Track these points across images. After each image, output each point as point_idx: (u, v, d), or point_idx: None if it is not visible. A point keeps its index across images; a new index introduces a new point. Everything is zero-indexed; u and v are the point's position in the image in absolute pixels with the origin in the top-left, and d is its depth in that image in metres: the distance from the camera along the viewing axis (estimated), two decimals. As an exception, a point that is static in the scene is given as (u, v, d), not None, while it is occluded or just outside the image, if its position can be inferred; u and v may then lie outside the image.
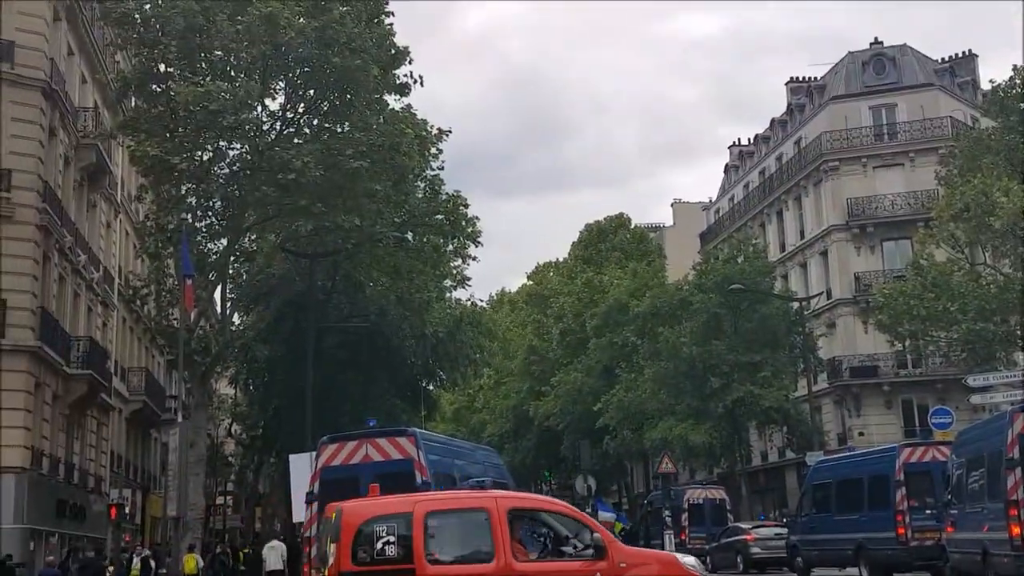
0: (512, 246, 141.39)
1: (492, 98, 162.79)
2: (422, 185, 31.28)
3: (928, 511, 19.90)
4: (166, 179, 26.45)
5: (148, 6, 25.48)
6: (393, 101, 27.71)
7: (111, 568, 27.05)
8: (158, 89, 25.96)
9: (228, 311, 30.78)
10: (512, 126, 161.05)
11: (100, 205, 33.45)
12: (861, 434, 41.74)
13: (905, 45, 48.50)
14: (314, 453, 16.60)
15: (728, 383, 36.45)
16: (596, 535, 10.25)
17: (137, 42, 26.34)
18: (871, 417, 42.59)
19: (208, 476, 36.62)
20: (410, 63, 27.11)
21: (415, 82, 27.13)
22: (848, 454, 27.73)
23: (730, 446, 39.17)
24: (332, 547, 9.75)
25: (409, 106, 28.25)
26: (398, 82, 27.04)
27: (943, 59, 49.29)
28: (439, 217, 30.87)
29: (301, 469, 19.00)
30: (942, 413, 29.07)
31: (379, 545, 9.67)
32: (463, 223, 31.15)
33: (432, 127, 29.97)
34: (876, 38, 48.58)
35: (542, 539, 10.39)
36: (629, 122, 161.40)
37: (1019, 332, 30.81)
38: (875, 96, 46.48)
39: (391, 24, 27.00)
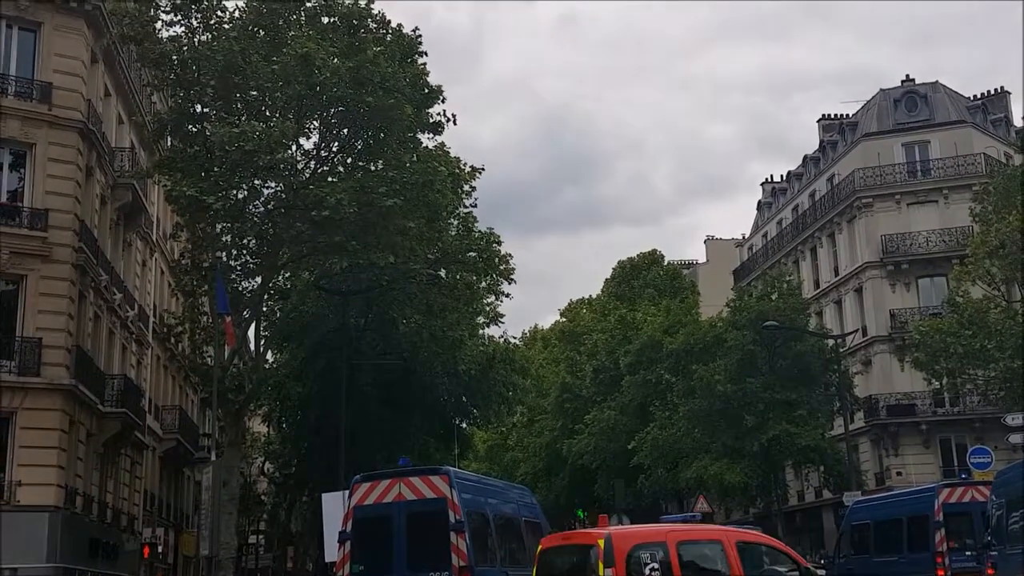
0: (545, 283, 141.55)
1: (525, 136, 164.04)
2: (455, 222, 31.36)
3: (968, 552, 19.58)
4: (201, 218, 26.71)
5: (186, 48, 25.91)
6: (426, 139, 27.99)
7: None
8: (194, 129, 26.31)
9: (262, 349, 30.90)
10: (545, 164, 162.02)
11: (136, 244, 33.81)
12: (899, 474, 41.03)
13: (937, 82, 48.37)
14: (347, 492, 16.52)
15: (763, 421, 35.96)
16: (798, 562, 12.86)
17: (174, 83, 26.78)
18: (909, 456, 41.89)
19: (241, 515, 36.66)
20: (443, 102, 27.41)
21: (448, 120, 27.39)
22: (886, 494, 27.29)
23: (766, 486, 38.58)
24: (608, 571, 11.24)
25: (442, 144, 28.51)
26: (431, 121, 27.29)
27: (975, 96, 49.12)
28: (472, 254, 30.88)
29: (334, 508, 18.95)
30: (981, 452, 28.59)
31: (646, 571, 11.40)
32: (496, 260, 31.13)
33: (465, 165, 30.25)
34: (908, 75, 48.56)
35: (760, 565, 12.60)
36: (662, 159, 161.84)
37: (1057, 370, 30.29)
38: (908, 133, 46.30)
39: (424, 63, 27.33)
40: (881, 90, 48.79)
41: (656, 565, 11.39)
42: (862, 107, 50.24)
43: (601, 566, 11.33)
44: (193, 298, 28.46)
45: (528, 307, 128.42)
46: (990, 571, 17.14)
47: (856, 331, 43.50)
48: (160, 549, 33.38)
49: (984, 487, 19.98)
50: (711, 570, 12.14)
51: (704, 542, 12.54)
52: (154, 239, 36.44)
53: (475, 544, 15.11)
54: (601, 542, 11.57)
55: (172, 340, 33.55)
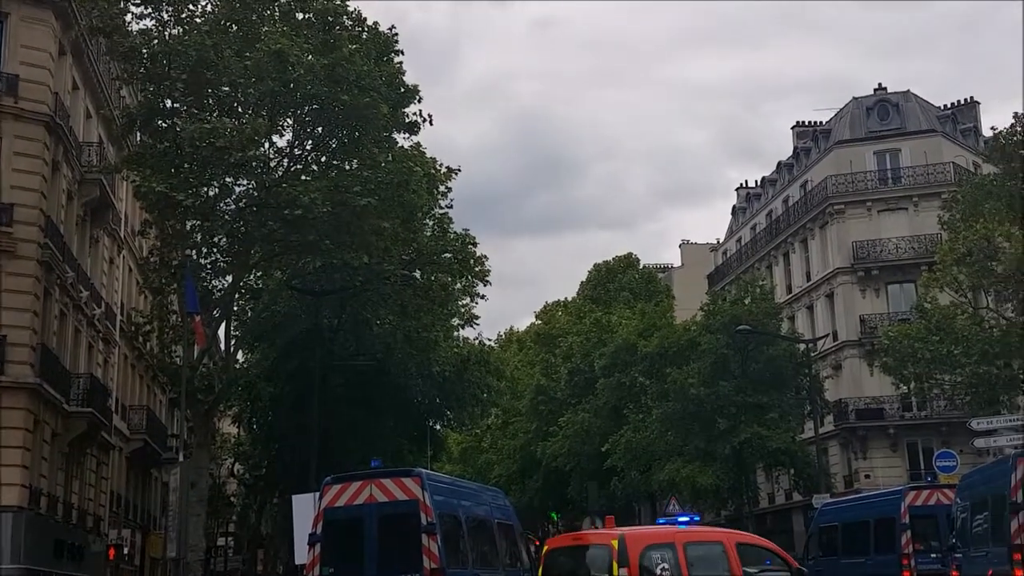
0: (521, 285, 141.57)
1: (502, 139, 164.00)
2: (430, 223, 31.18)
3: (933, 554, 19.98)
4: (171, 215, 26.35)
5: (156, 41, 25.53)
6: (402, 139, 27.80)
7: None
8: (164, 125, 25.97)
9: (232, 349, 30.54)
10: (521, 166, 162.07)
11: (103, 240, 33.34)
12: (867, 476, 41.46)
13: (909, 91, 48.97)
14: (317, 494, 16.31)
15: (735, 424, 36.15)
16: (789, 563, 13.68)
17: (143, 77, 26.40)
18: (877, 459, 42.36)
19: (209, 517, 36.18)
20: (419, 102, 27.25)
21: (424, 121, 27.24)
22: (854, 497, 27.54)
23: (737, 488, 38.81)
24: (623, 571, 11.70)
25: (418, 144, 28.35)
26: (407, 120, 27.12)
27: (946, 106, 49.78)
28: (447, 255, 30.71)
29: (304, 510, 18.71)
30: (946, 456, 29.05)
31: (657, 570, 11.93)
32: (471, 262, 30.97)
33: (441, 165, 30.06)
34: (880, 84, 49.11)
35: (756, 564, 13.31)
36: (637, 163, 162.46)
37: (1022, 376, 30.88)
38: (879, 141, 46.82)
39: (400, 63, 27.15)
40: (854, 98, 49.31)
41: (666, 565, 11.93)
42: (835, 115, 50.74)
43: (615, 566, 11.79)
44: (162, 296, 28.07)
45: (504, 309, 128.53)
46: (955, 573, 17.46)
47: (827, 336, 43.92)
48: (126, 551, 32.95)
49: (949, 490, 20.33)
50: (716, 569, 12.77)
51: (708, 543, 13.13)
52: (122, 236, 35.96)
53: (447, 546, 14.94)
54: (615, 542, 12.02)
55: (140, 339, 33.11)
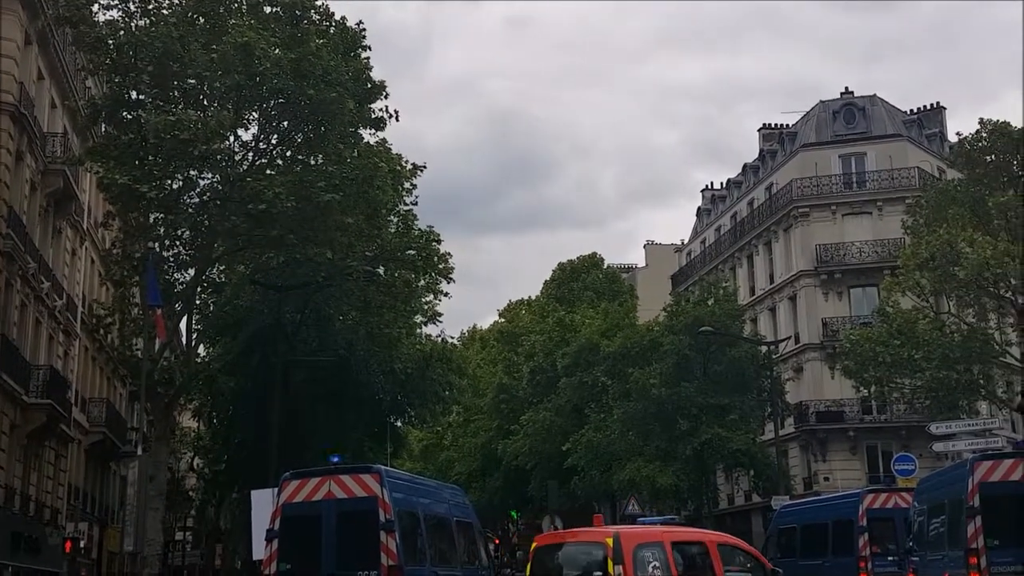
0: (491, 284, 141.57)
1: (473, 137, 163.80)
2: (395, 220, 31.13)
3: (890, 557, 20.07)
4: (134, 207, 26.14)
5: (122, 32, 25.31)
6: (368, 135, 27.73)
7: None
8: (129, 116, 25.74)
9: (194, 342, 30.35)
10: (493, 165, 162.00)
11: (66, 232, 33.01)
12: (826, 479, 41.80)
13: (875, 96, 49.34)
14: (276, 489, 16.26)
15: (696, 425, 36.35)
16: (763, 563, 14.30)
17: (109, 68, 26.16)
18: (836, 462, 42.70)
19: (168, 511, 35.95)
20: (386, 97, 27.18)
21: (391, 117, 27.19)
22: (813, 499, 27.78)
23: (697, 488, 39.03)
24: (618, 568, 12.01)
25: (384, 140, 28.27)
26: (373, 116, 27.06)
27: (912, 111, 50.16)
28: (411, 252, 30.63)
29: (263, 505, 18.60)
30: (905, 460, 29.24)
31: (649, 568, 12.22)
32: (435, 259, 30.98)
33: (407, 162, 29.99)
34: (847, 88, 49.45)
35: (733, 564, 13.81)
36: (609, 164, 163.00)
37: (981, 381, 31.18)
38: (845, 145, 47.10)
39: (368, 58, 27.08)
40: (820, 102, 49.62)
41: (657, 563, 12.34)
42: (801, 118, 51.06)
43: (611, 563, 12.07)
44: (123, 289, 27.82)
45: (473, 308, 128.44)
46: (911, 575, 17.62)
47: (789, 338, 44.20)
48: (84, 544, 32.62)
49: (907, 494, 20.50)
50: (700, 568, 13.29)
51: (692, 543, 13.60)
52: (85, 227, 35.60)
53: (405, 544, 14.95)
54: (610, 540, 12.30)
55: (101, 331, 32.81)
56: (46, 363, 29.69)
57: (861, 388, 35.40)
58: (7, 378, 25.40)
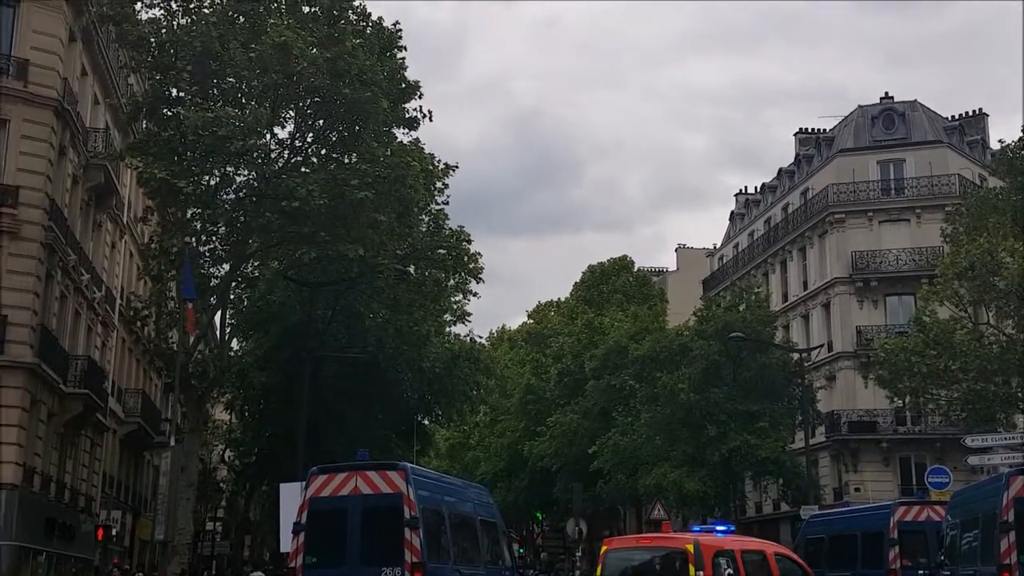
0: (515, 284, 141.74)
1: (500, 138, 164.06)
2: (426, 219, 31.34)
3: (921, 571, 19.69)
4: (172, 202, 26.58)
5: (164, 30, 25.75)
6: (401, 134, 27.96)
7: None
8: (169, 113, 26.17)
9: (227, 336, 30.76)
10: (519, 166, 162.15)
11: (106, 225, 33.56)
12: (857, 490, 41.28)
13: (916, 101, 48.59)
14: (304, 483, 16.46)
15: (725, 432, 36.05)
16: (808, 573, 14.90)
17: (151, 66, 26.63)
18: (868, 473, 42.19)
19: (199, 501, 36.43)
20: (420, 97, 27.42)
21: (424, 116, 27.41)
22: (842, 509, 27.48)
23: (724, 496, 38.71)
24: (699, 574, 12.47)
25: (417, 140, 28.50)
26: (407, 116, 27.29)
27: (953, 117, 49.34)
28: (441, 251, 30.84)
29: (291, 498, 18.83)
30: (939, 472, 28.83)
31: (724, 574, 12.69)
32: (465, 258, 31.11)
33: (439, 161, 30.17)
34: (887, 93, 48.65)
35: (787, 574, 14.33)
36: (635, 167, 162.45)
37: (1020, 394, 30.53)
38: (884, 151, 46.48)
39: (403, 58, 27.32)
40: (859, 106, 48.99)
41: (731, 571, 12.88)
42: (839, 122, 50.49)
43: (692, 569, 12.60)
44: (160, 283, 28.29)
45: (497, 308, 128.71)
46: (942, 590, 17.40)
47: (822, 346, 43.66)
48: (116, 532, 33.17)
49: (940, 507, 20.14)
50: (762, 574, 13.98)
51: (755, 552, 14.14)
52: (124, 221, 36.17)
53: (429, 541, 15.07)
54: (690, 547, 12.83)
55: (138, 323, 33.34)
56: (84, 354, 30.20)
57: (895, 398, 34.97)
58: (46, 367, 25.87)
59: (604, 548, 14.09)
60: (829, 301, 45.44)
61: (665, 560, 13.32)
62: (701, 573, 12.47)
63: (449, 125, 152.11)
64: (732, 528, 16.22)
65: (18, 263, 24.82)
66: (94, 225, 32.06)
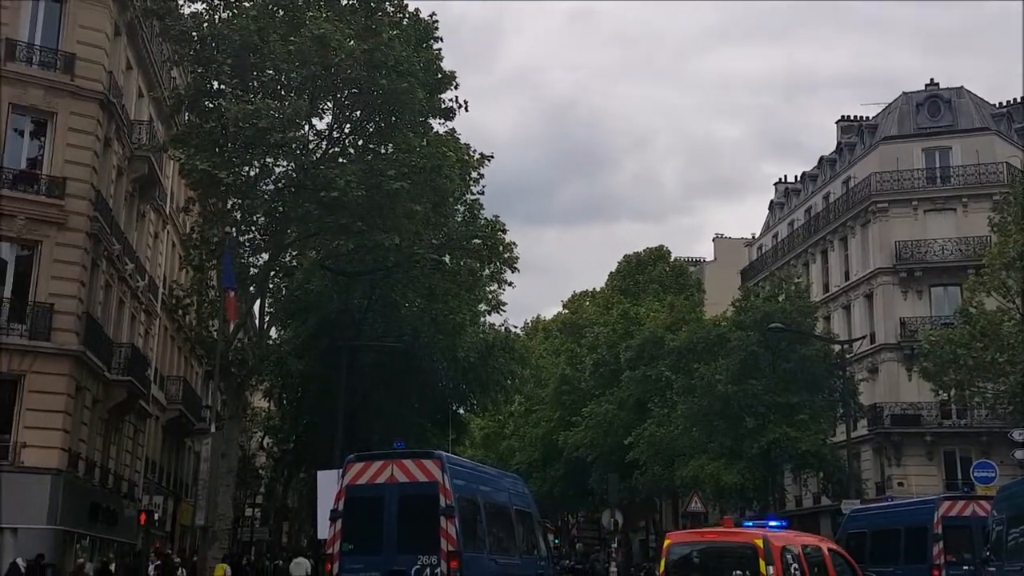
0: (549, 274, 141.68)
1: (536, 128, 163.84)
2: (461, 209, 31.44)
3: (965, 567, 19.58)
4: (213, 193, 26.93)
5: (206, 24, 26.06)
6: (437, 125, 28.05)
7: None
8: (210, 105, 26.49)
9: (266, 325, 31.11)
10: (554, 156, 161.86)
11: (149, 216, 34.07)
12: (900, 484, 40.64)
13: (962, 88, 47.45)
14: (341, 471, 16.63)
15: (763, 424, 35.67)
16: (856, 570, 15.07)
17: (193, 59, 26.98)
18: (911, 467, 41.49)
19: (238, 488, 36.92)
20: (456, 88, 27.47)
21: (460, 107, 27.46)
22: (885, 504, 27.17)
23: (763, 488, 38.32)
24: (770, 568, 12.75)
25: (453, 130, 28.60)
26: (443, 106, 27.37)
27: (1000, 104, 48.24)
28: (477, 241, 30.93)
29: (328, 486, 19.07)
30: (985, 467, 28.41)
31: (791, 570, 13.03)
32: (500, 248, 31.17)
33: (474, 152, 30.22)
34: (932, 79, 47.64)
35: (840, 570, 14.56)
36: (670, 156, 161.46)
37: (1069, 387, 30.01)
38: (929, 138, 45.53)
39: (439, 49, 27.37)
40: (903, 93, 48.04)
41: (796, 565, 13.18)
42: (883, 110, 49.53)
43: (763, 563, 12.81)
44: (201, 272, 28.69)
45: (532, 297, 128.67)
46: (987, 585, 17.15)
47: (864, 337, 42.95)
48: (158, 517, 33.71)
49: (985, 502, 19.99)
50: (819, 571, 14.17)
51: (813, 547, 14.36)
52: (167, 212, 36.68)
53: (464, 530, 15.20)
54: (760, 542, 13.05)
55: (180, 312, 33.85)
56: (128, 341, 30.73)
57: (940, 391, 34.39)
58: (91, 355, 26.34)
59: (667, 542, 14.17)
60: (872, 292, 44.74)
61: (733, 555, 13.35)
62: (771, 568, 12.58)
63: (484, 116, 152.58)
64: (786, 523, 16.16)
65: (65, 253, 25.30)
66: (138, 215, 32.57)
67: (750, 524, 16.23)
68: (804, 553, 13.50)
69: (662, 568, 13.69)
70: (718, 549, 13.74)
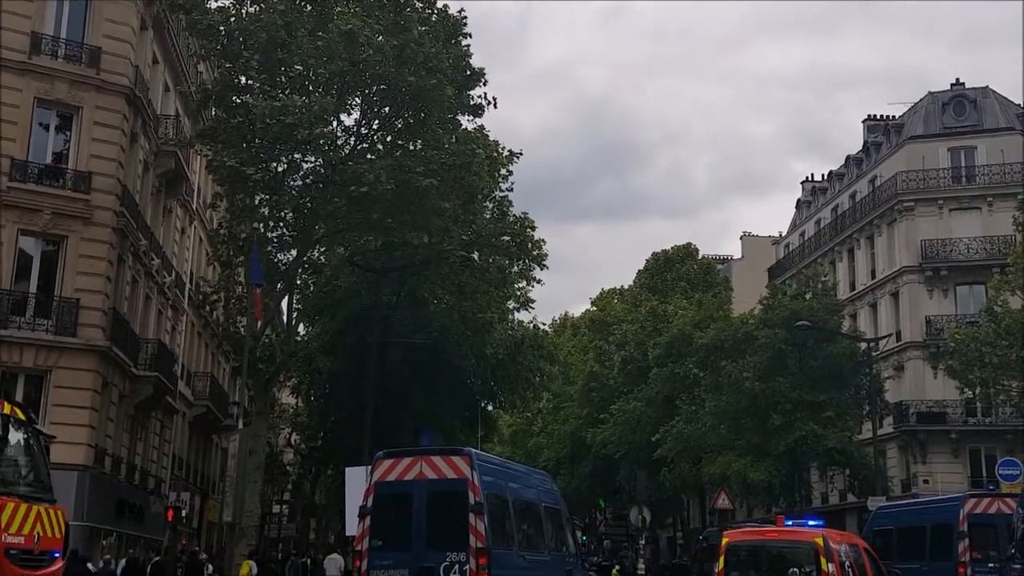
0: (578, 271, 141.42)
1: (565, 125, 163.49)
2: (490, 205, 31.38)
3: (991, 564, 19.51)
4: (240, 189, 26.94)
5: (233, 19, 26.06)
6: (466, 121, 27.98)
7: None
8: (237, 101, 26.49)
9: (294, 321, 31.16)
10: (584, 153, 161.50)
11: (176, 211, 34.17)
12: (926, 482, 40.66)
13: (987, 87, 47.62)
14: (369, 467, 16.61)
15: (790, 421, 35.69)
16: (880, 568, 15.72)
17: (220, 54, 26.98)
18: (937, 465, 41.53)
19: (265, 484, 37.00)
20: (484, 84, 27.41)
21: (489, 104, 27.40)
22: (911, 501, 27.06)
23: (790, 485, 38.34)
24: (831, 566, 13.24)
25: (481, 127, 28.53)
26: (472, 103, 27.31)
27: (1026, 104, 48.12)
28: (505, 238, 30.85)
29: (357, 482, 19.04)
30: (1010, 464, 28.31)
31: (846, 567, 13.54)
32: (529, 245, 31.10)
33: (503, 148, 30.16)
34: (957, 79, 47.77)
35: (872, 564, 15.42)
36: (700, 153, 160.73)
37: (1093, 385, 29.85)
38: (954, 138, 45.65)
39: (468, 45, 27.31)
40: (929, 93, 48.14)
41: (848, 563, 13.68)
42: (909, 109, 49.57)
43: (823, 560, 13.31)
44: (229, 268, 28.74)
45: (560, 294, 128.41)
46: (1013, 582, 17.05)
47: (890, 335, 43.05)
48: (185, 513, 33.84)
49: (1011, 499, 19.96)
50: (860, 568, 14.64)
51: (854, 545, 14.81)
52: (194, 207, 36.79)
53: (493, 526, 15.10)
54: (820, 541, 13.49)
55: (207, 308, 33.94)
56: (154, 337, 30.81)
57: (965, 389, 34.45)
58: (117, 350, 26.42)
59: (725, 540, 14.45)
60: (898, 290, 44.70)
61: (795, 553, 13.78)
62: (831, 566, 12.97)
63: (513, 112, 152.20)
64: (823, 522, 16.23)
65: (91, 248, 25.34)
66: (164, 211, 32.66)
67: (789, 523, 16.16)
68: (852, 550, 14.05)
69: (721, 565, 13.85)
70: (776, 547, 14.13)
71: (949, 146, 45.47)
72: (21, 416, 11.48)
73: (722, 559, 13.99)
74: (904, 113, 49.97)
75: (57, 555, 11.61)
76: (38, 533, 10.96)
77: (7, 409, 11.09)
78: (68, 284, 25.00)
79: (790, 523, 15.92)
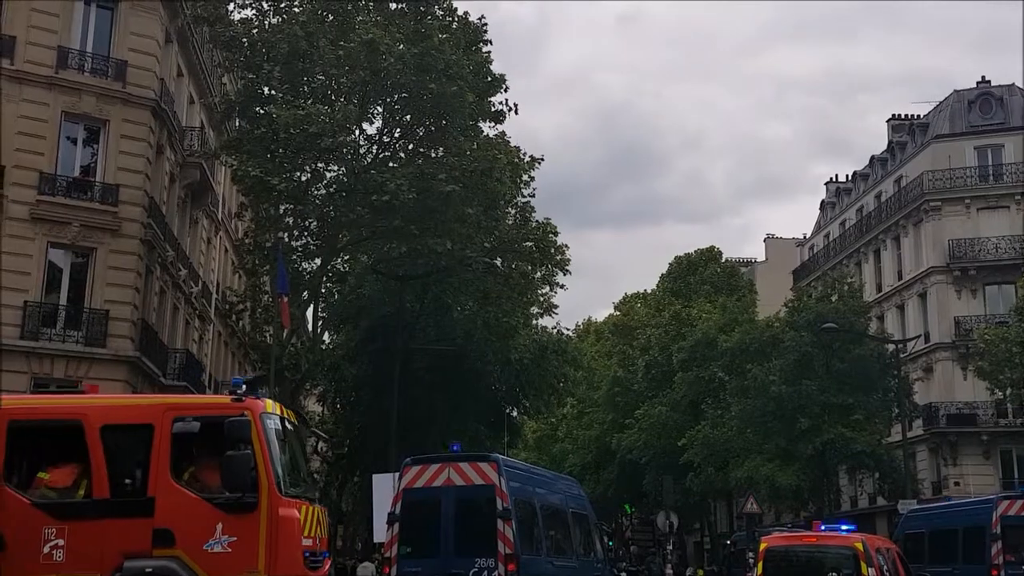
0: (600, 276, 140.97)
1: (585, 131, 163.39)
2: (513, 212, 31.41)
3: (1024, 566, 19.20)
4: (265, 199, 27.16)
5: (256, 30, 26.31)
6: (487, 128, 28.08)
7: None
8: (261, 111, 26.73)
9: (319, 330, 31.33)
10: (604, 158, 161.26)
11: (202, 222, 34.45)
12: (956, 484, 40.29)
13: (1013, 85, 47.00)
14: (397, 474, 16.66)
15: (818, 424, 35.42)
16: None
17: (243, 65, 27.25)
18: (968, 467, 41.08)
19: (292, 491, 37.07)
20: (505, 91, 27.54)
21: (510, 110, 27.50)
22: (942, 504, 26.82)
23: (818, 489, 38.07)
24: (871, 570, 13.45)
25: (503, 133, 28.61)
26: (493, 109, 27.41)
27: (1054, 100, 47.51)
28: (528, 244, 30.89)
29: (384, 489, 19.11)
30: (1042, 465, 27.90)
31: (884, 571, 13.65)
32: (552, 251, 31.11)
33: (525, 154, 30.22)
34: (983, 77, 47.22)
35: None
36: (721, 157, 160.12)
37: None
38: (981, 136, 45.16)
39: (488, 52, 27.40)
40: (955, 91, 47.61)
41: (886, 566, 13.93)
42: (934, 108, 49.08)
43: (864, 565, 13.55)
44: (255, 277, 28.97)
45: (583, 299, 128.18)
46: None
47: (918, 337, 42.61)
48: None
49: (1045, 501, 19.70)
50: (893, 570, 14.91)
51: (887, 549, 14.98)
52: (219, 217, 37.05)
53: (521, 532, 15.10)
54: (860, 545, 13.72)
55: (233, 317, 34.18)
56: (182, 347, 31.05)
57: (996, 390, 34.10)
58: (146, 360, 26.65)
59: (763, 545, 14.51)
60: (925, 291, 44.29)
61: (835, 558, 14.02)
62: (872, 570, 13.20)
63: (533, 119, 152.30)
64: (855, 527, 16.26)
65: (119, 259, 25.59)
66: (191, 222, 32.94)
67: (823, 527, 16.13)
68: (888, 554, 14.26)
69: (759, 571, 13.86)
70: (815, 552, 14.14)
71: (976, 144, 44.99)
72: (293, 419, 12.13)
73: (760, 564, 14.03)
74: (929, 112, 49.51)
75: (326, 555, 11.96)
76: (317, 534, 11.36)
77: (285, 413, 11.61)
78: (97, 295, 25.26)
79: (824, 528, 15.87)
